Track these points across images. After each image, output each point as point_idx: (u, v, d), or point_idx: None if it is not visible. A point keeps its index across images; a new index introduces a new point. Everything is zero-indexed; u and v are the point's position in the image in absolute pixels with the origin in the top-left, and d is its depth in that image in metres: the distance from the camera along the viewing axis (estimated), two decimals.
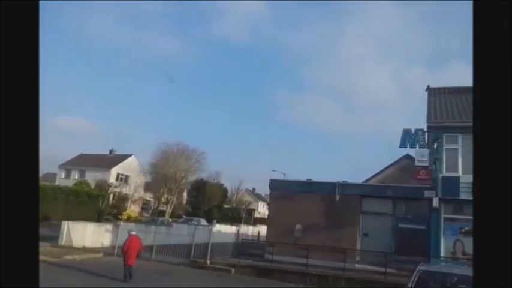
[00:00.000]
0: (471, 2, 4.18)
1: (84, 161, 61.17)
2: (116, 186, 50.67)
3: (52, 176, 60.70)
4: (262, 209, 79.31)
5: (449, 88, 20.99)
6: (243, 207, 68.35)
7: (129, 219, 42.37)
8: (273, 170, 54.20)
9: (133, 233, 14.96)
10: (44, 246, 17.37)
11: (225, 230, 30.46)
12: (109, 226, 23.51)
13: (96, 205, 37.84)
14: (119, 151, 62.81)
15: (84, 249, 19.90)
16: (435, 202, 16.79)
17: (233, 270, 17.62)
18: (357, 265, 17.64)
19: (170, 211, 53.02)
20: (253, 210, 72.70)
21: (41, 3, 4.63)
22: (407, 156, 23.95)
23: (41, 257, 12.47)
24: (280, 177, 38.63)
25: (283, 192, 21.01)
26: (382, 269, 15.82)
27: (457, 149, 17.20)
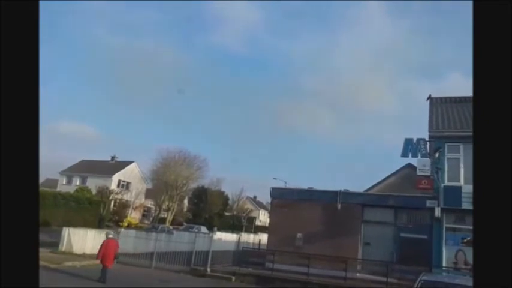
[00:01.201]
0: (471, 2, 4.18)
1: (86, 168, 61.26)
2: (117, 193, 50.60)
3: (53, 182, 60.74)
4: (263, 217, 79.06)
5: (450, 98, 20.96)
6: (244, 215, 68.09)
7: (129, 226, 42.26)
8: (274, 178, 54.04)
9: (111, 236, 15.53)
10: (44, 252, 17.30)
11: (225, 238, 30.25)
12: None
13: (97, 211, 37.83)
14: (121, 158, 63.06)
15: (85, 256, 19.81)
16: (437, 212, 16.69)
17: (233, 278, 17.52)
18: (358, 274, 17.51)
19: (171, 218, 52.85)
20: (254, 218, 72.41)
21: (41, 3, 4.60)
22: (409, 166, 23.82)
23: (41, 263, 12.38)
24: (281, 185, 38.48)
25: (285, 200, 20.94)
26: (384, 279, 15.68)
27: (458, 158, 17.14)
